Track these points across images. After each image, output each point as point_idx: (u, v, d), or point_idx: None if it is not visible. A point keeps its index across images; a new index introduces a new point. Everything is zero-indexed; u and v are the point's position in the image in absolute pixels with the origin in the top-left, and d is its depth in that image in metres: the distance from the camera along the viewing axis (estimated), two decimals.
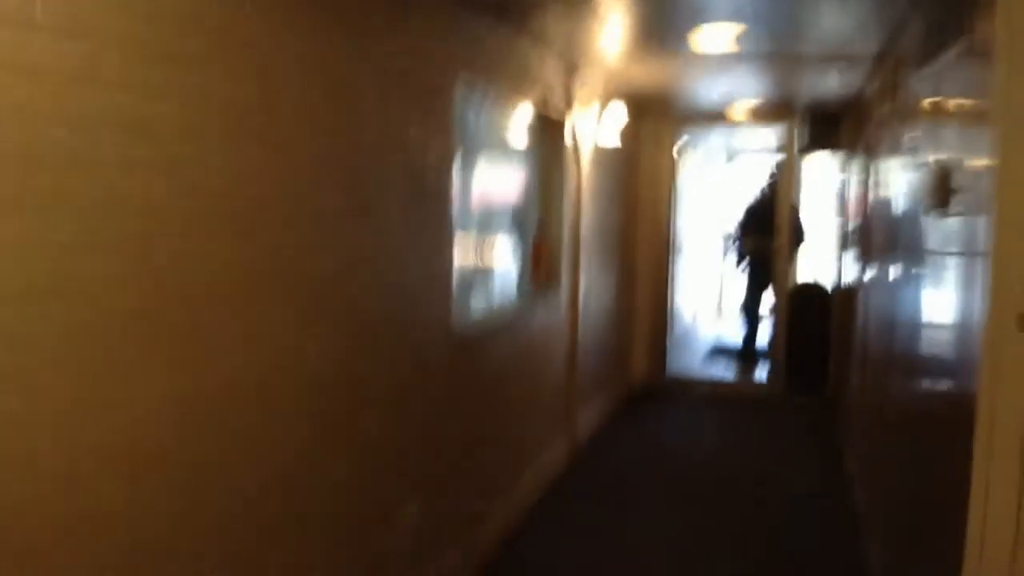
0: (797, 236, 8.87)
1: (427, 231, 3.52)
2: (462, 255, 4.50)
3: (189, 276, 2.12)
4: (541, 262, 5.53)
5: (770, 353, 8.47)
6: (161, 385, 2.03)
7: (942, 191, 2.84)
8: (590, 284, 6.39)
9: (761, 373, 8.83)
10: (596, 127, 6.14)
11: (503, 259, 5.30)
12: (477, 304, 4.65)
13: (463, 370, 3.99)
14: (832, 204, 8.98)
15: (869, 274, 5.32)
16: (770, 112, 7.93)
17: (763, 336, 9.30)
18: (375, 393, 3.16)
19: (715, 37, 4.79)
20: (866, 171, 5.86)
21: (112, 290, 1.88)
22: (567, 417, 6.02)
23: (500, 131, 5.07)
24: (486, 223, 4.97)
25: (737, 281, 10.26)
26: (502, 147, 5.20)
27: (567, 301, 5.86)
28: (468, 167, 4.51)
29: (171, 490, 2.09)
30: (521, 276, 5.44)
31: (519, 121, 5.27)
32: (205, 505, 2.22)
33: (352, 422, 2.99)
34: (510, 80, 4.57)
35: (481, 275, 4.91)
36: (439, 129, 3.55)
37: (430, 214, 3.54)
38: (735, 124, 8.40)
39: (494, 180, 5.09)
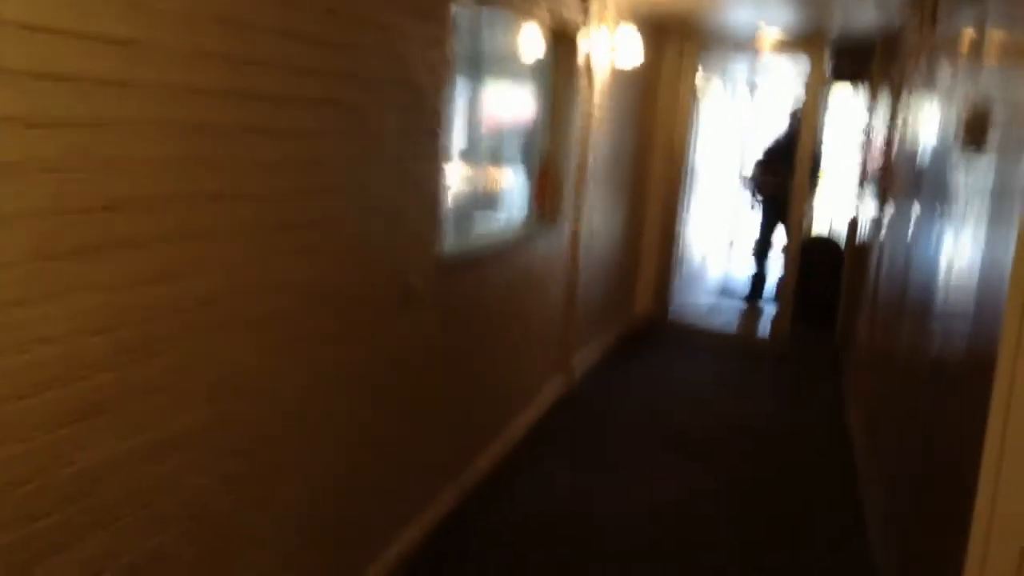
0: (815, 173, 8.56)
1: (418, 150, 3.28)
2: (459, 179, 4.28)
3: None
4: (545, 191, 5.28)
5: (778, 297, 8.26)
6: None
7: (979, 127, 2.60)
8: (596, 216, 6.15)
9: (767, 317, 8.63)
10: (612, 47, 5.82)
11: (506, 187, 5.06)
12: (474, 232, 4.42)
13: (452, 297, 3.79)
14: (855, 141, 8.65)
15: (888, 216, 5.06)
16: (798, 42, 7.56)
17: (772, 279, 9.08)
18: (356, 317, 2.97)
19: None
20: (894, 107, 5.56)
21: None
22: (563, 353, 5.84)
23: (506, 49, 4.78)
24: (489, 148, 4.73)
25: (751, 219, 9.99)
26: (509, 67, 4.91)
27: (570, 233, 5.63)
28: (470, 87, 4.26)
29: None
30: (523, 205, 5.20)
31: (527, 38, 4.96)
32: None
33: (328, 351, 2.80)
34: None
35: (481, 202, 4.68)
36: (433, 42, 3.28)
37: (422, 132, 3.29)
38: (760, 53, 8.03)
39: (499, 102, 4.82)
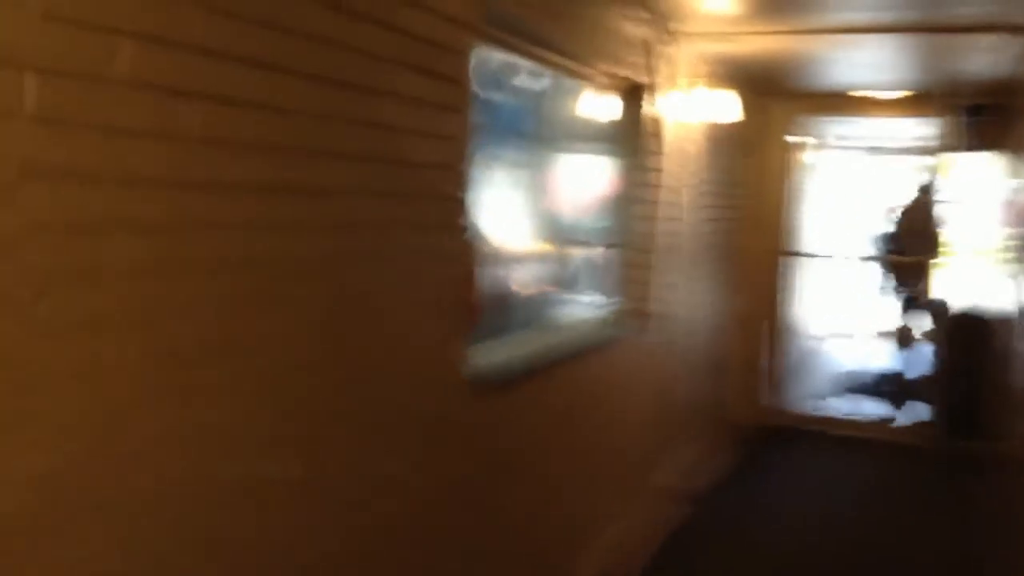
0: (950, 250, 7.47)
1: (429, 244, 2.58)
2: (526, 267, 3.62)
3: None
4: (623, 278, 4.50)
5: (922, 390, 7.09)
6: None
7: None
8: (692, 303, 5.31)
9: (909, 413, 7.44)
10: (695, 106, 5.06)
11: (564, 274, 4.34)
12: (521, 335, 3.67)
13: (490, 425, 3.01)
14: (996, 214, 7.54)
15: None
16: (924, 102, 6.62)
17: (912, 368, 7.91)
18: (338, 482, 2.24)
19: None
20: None
21: None
22: (654, 471, 4.95)
23: (557, 112, 4.14)
24: (563, 228, 4.17)
25: (880, 300, 8.90)
26: (574, 136, 4.26)
27: (659, 326, 4.79)
28: (509, 158, 3.61)
29: None
30: (599, 296, 4.44)
31: (585, 99, 4.30)
32: None
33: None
34: (571, 42, 3.57)
35: (533, 297, 3.96)
36: (446, 107, 2.60)
37: (431, 223, 2.60)
38: (875, 115, 7.11)
39: (569, 176, 4.23)
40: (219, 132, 1.77)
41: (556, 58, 3.60)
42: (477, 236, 2.97)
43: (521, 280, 3.96)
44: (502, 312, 3.73)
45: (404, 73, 2.38)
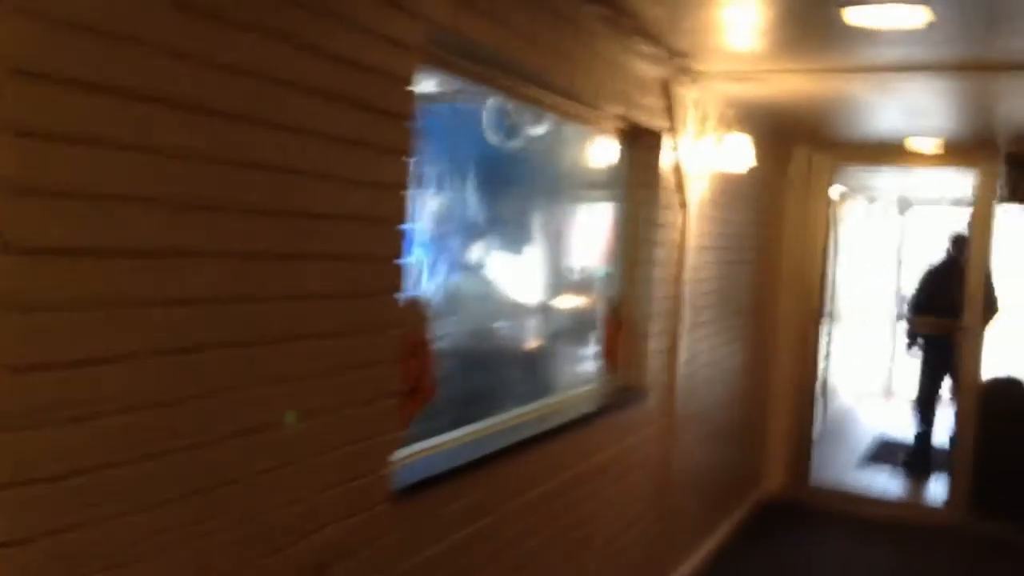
0: (989, 310, 6.83)
1: (357, 318, 2.06)
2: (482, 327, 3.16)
3: None
4: (618, 343, 3.97)
5: (950, 463, 6.46)
6: None
7: None
8: (700, 368, 4.75)
9: (937, 488, 6.80)
10: (717, 153, 4.54)
11: (563, 329, 3.86)
12: (485, 415, 3.14)
13: (424, 544, 2.44)
14: None
15: None
16: (961, 153, 6.08)
17: (940, 437, 7.27)
18: None
19: (887, 25, 3.17)
20: None
21: None
22: (657, 563, 4.36)
23: (563, 159, 3.69)
24: (545, 281, 3.80)
25: (910, 364, 8.26)
26: (568, 182, 3.82)
27: (660, 399, 4.24)
28: (510, 206, 3.32)
29: None
30: (581, 363, 3.91)
31: (594, 145, 3.85)
32: None
33: None
34: (566, 79, 3.07)
35: (525, 354, 3.50)
36: (381, 148, 2.10)
37: (360, 290, 2.08)
38: (911, 165, 6.56)
39: (557, 226, 3.88)
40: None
41: (549, 97, 3.11)
42: (424, 303, 2.46)
43: (515, 335, 3.64)
44: (479, 375, 3.32)
45: (324, 105, 1.88)
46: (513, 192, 3.62)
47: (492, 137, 3.35)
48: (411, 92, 2.15)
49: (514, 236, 3.67)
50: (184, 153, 1.55)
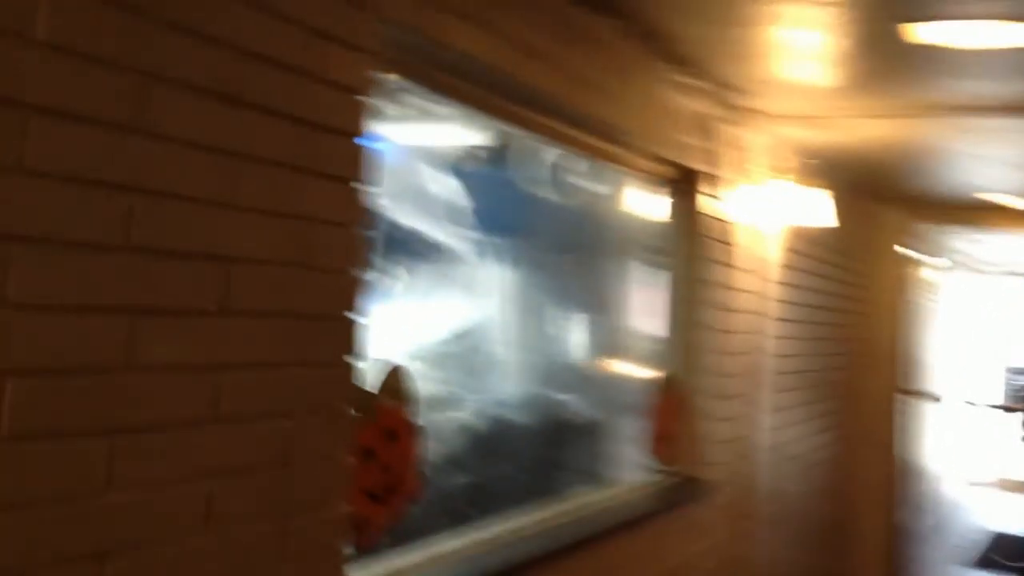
0: None
1: (298, 399, 1.57)
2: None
3: None
4: (672, 425, 3.36)
5: None
6: None
7: None
8: (779, 458, 4.10)
9: None
10: (776, 205, 3.97)
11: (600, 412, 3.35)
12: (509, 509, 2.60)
13: None
14: None
15: None
16: None
17: None
18: None
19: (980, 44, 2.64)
20: None
21: None
22: None
23: (592, 209, 3.38)
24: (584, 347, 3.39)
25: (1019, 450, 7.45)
26: (599, 233, 3.43)
27: (732, 495, 3.60)
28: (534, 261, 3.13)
29: None
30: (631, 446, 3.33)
31: (629, 193, 3.39)
32: None
33: None
34: (578, 103, 2.58)
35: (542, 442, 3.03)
36: (325, 176, 1.63)
37: (309, 359, 1.59)
38: (1009, 228, 5.85)
39: (598, 286, 3.49)
40: None
41: (560, 127, 2.64)
42: (405, 372, 1.97)
43: (553, 406, 3.23)
44: (504, 456, 2.97)
45: (226, 111, 1.43)
46: (562, 248, 3.40)
47: (539, 191, 3.21)
48: (361, 103, 1.68)
49: (560, 294, 3.42)
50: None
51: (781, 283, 4.13)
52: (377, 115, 1.73)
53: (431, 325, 2.99)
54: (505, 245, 3.09)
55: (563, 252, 3.41)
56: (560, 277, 3.41)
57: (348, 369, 1.68)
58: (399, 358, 1.98)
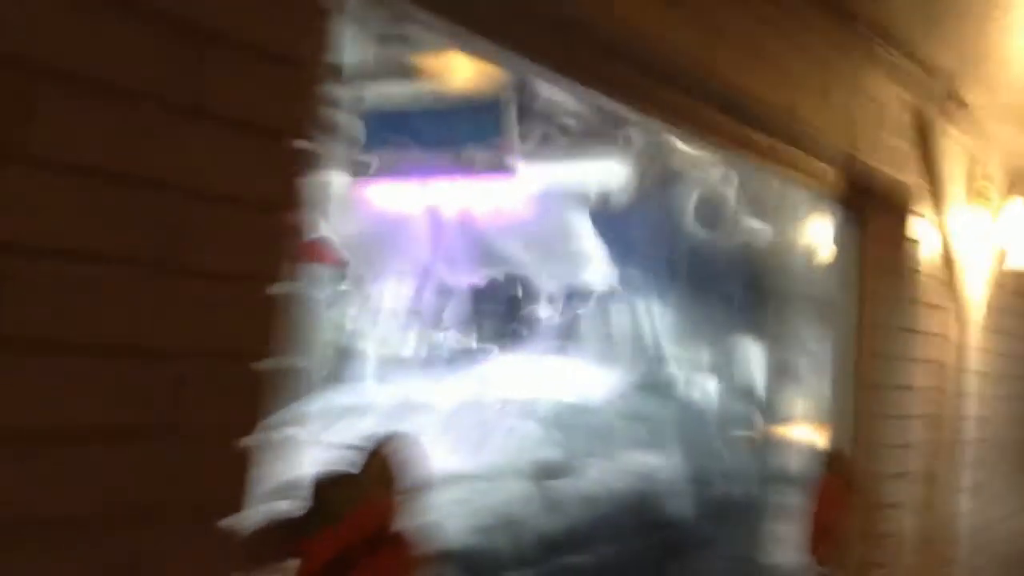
0: None
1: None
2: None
3: None
4: (827, 519, 2.51)
5: None
6: None
7: None
8: (967, 552, 3.17)
9: None
10: (996, 234, 3.09)
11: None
12: None
13: None
14: None
15: None
16: None
17: None
18: None
19: None
20: None
21: None
22: None
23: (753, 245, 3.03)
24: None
25: None
26: (762, 273, 3.05)
27: None
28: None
29: None
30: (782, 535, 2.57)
31: (798, 222, 2.73)
32: None
33: None
34: (734, 103, 1.86)
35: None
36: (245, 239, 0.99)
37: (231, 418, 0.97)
38: None
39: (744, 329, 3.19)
40: None
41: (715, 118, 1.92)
42: (404, 443, 1.31)
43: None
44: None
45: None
46: (713, 291, 3.14)
47: (694, 229, 3.00)
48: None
49: (710, 342, 3.16)
50: None
51: (993, 331, 3.22)
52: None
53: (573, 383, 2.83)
54: (647, 290, 2.90)
55: (713, 295, 3.08)
56: (710, 323, 3.08)
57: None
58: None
